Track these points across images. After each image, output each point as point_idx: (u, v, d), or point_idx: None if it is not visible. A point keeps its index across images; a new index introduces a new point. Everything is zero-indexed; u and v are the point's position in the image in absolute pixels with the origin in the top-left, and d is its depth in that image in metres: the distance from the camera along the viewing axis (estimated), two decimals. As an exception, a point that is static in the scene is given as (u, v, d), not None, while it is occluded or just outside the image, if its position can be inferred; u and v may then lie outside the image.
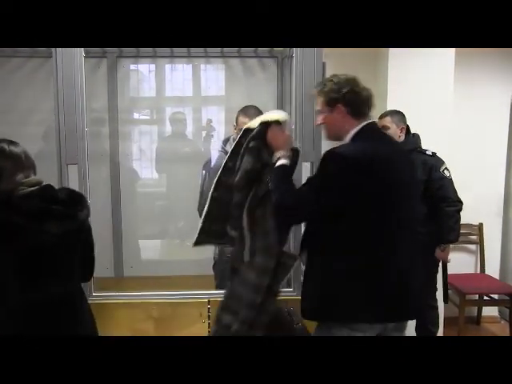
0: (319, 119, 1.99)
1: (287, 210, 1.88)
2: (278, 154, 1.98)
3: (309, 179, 2.01)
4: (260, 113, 2.64)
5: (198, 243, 2.24)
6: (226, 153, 2.80)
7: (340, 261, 1.85)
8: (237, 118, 2.78)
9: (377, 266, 1.82)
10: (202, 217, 2.20)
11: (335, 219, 1.83)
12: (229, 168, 2.13)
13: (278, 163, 1.96)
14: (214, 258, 2.95)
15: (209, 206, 2.17)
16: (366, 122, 1.92)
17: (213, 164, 2.88)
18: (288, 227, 2.12)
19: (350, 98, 1.91)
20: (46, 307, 1.69)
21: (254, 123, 2.07)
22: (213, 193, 2.17)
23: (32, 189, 1.65)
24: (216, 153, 3.19)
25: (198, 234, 2.22)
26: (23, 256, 1.61)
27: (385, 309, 1.83)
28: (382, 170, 1.83)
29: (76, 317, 1.82)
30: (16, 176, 1.65)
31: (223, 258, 2.87)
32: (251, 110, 2.79)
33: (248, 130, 2.08)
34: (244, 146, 2.06)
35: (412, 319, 2.03)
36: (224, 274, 2.86)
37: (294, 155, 2.05)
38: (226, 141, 2.91)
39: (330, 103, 1.92)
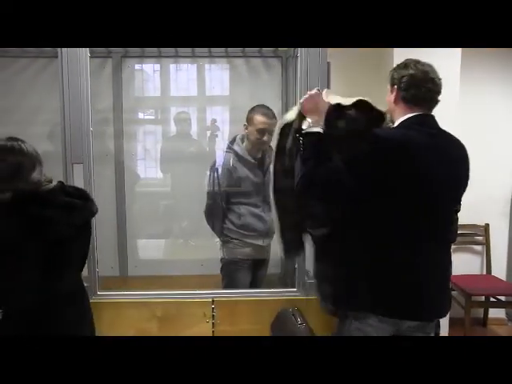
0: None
1: (323, 183, 1.81)
2: (311, 120, 1.90)
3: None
4: None
5: (289, 257, 2.27)
6: (234, 153, 2.80)
7: (357, 249, 1.85)
8: (252, 118, 2.77)
9: (391, 260, 1.81)
10: (278, 232, 2.13)
11: (359, 204, 1.81)
12: (280, 171, 2.07)
13: (313, 130, 1.88)
14: (222, 260, 2.95)
15: (278, 216, 2.10)
16: (417, 113, 1.88)
17: (220, 164, 2.88)
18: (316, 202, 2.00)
19: (407, 84, 1.88)
20: (66, 298, 1.79)
21: (292, 116, 2.00)
22: (276, 202, 2.09)
23: (53, 184, 1.76)
24: (221, 152, 3.20)
25: (285, 250, 2.17)
26: (51, 248, 1.68)
27: (398, 305, 1.82)
28: (411, 159, 1.78)
29: (83, 309, 1.91)
30: (34, 172, 1.72)
31: (233, 259, 2.87)
32: (268, 110, 2.81)
33: (287, 126, 2.01)
34: (290, 143, 2.00)
35: (427, 320, 1.91)
36: (233, 274, 2.87)
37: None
38: (232, 141, 2.91)
39: (391, 83, 1.94)
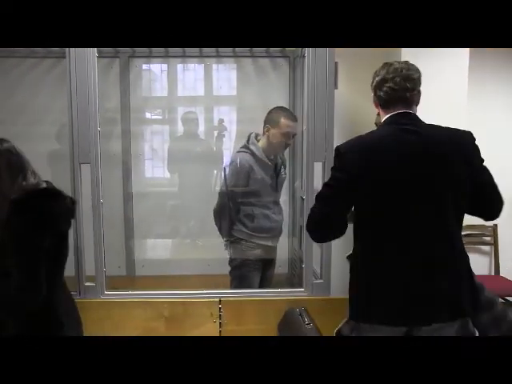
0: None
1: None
2: None
3: None
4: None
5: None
6: (251, 153, 2.78)
7: (354, 253, 1.89)
8: (277, 121, 2.75)
9: (374, 265, 1.80)
10: None
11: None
12: None
13: None
14: (232, 261, 2.94)
15: None
16: (391, 114, 1.86)
17: (234, 163, 2.87)
18: None
19: (375, 87, 1.90)
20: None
21: None
22: None
23: (44, 181, 1.81)
24: (228, 152, 3.21)
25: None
26: (58, 243, 1.79)
27: (396, 310, 1.78)
28: (374, 158, 1.77)
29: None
30: (30, 171, 1.77)
31: (244, 261, 2.87)
32: (292, 112, 2.87)
33: None
34: None
35: (414, 325, 1.80)
36: (245, 275, 2.87)
37: None
38: (248, 140, 2.88)
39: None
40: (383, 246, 1.80)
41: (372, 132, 1.90)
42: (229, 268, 2.96)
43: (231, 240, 2.92)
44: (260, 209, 2.85)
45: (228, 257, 2.97)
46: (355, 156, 1.79)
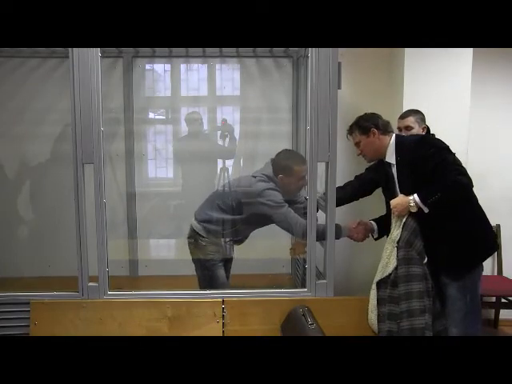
0: None
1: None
2: None
3: None
4: None
5: None
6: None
7: None
8: (290, 169, 2.69)
9: None
10: None
11: None
12: None
13: None
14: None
15: None
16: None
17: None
18: None
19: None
20: None
21: None
22: None
23: None
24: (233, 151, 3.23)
25: None
26: None
27: None
28: None
29: None
30: None
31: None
32: (300, 154, 2.89)
33: None
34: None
35: None
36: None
37: None
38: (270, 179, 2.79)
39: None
40: None
41: None
42: (234, 268, 2.99)
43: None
44: None
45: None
46: None
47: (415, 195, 2.26)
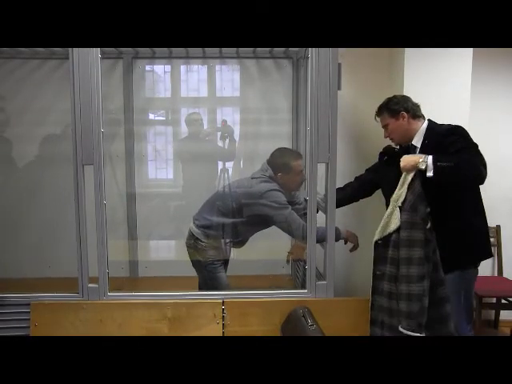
0: None
1: None
2: None
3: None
4: None
5: None
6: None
7: None
8: (288, 166, 2.74)
9: None
10: None
11: None
12: None
13: None
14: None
15: None
16: None
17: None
18: None
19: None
20: None
21: None
22: None
23: None
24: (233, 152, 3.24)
25: None
26: None
27: None
28: None
29: None
30: None
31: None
32: (294, 150, 2.99)
33: None
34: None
35: None
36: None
37: None
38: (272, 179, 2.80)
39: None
40: None
41: None
42: (234, 269, 2.98)
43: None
44: None
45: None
46: None
47: (429, 156, 2.19)
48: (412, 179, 2.24)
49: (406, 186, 2.25)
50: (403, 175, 2.27)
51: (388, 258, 2.29)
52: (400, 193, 2.28)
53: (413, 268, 2.19)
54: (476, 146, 2.29)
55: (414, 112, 2.47)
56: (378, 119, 2.56)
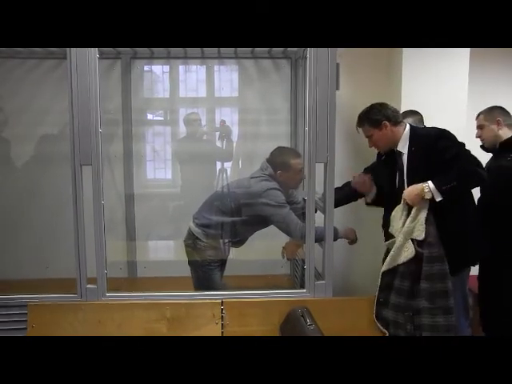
0: None
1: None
2: None
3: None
4: None
5: None
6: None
7: None
8: (287, 164, 2.75)
9: None
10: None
11: None
12: None
13: None
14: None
15: None
16: None
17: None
18: None
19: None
20: None
21: None
22: None
23: None
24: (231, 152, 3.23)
25: None
26: None
27: None
28: None
29: None
30: None
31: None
32: (292, 148, 3.02)
33: None
34: None
35: None
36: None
37: None
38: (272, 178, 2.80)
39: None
40: None
41: None
42: (232, 269, 2.98)
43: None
44: None
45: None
46: None
47: (429, 182, 2.25)
48: (428, 213, 2.29)
49: (422, 219, 2.29)
50: (414, 209, 2.31)
51: (394, 287, 2.37)
52: (413, 226, 2.32)
53: (451, 299, 2.27)
54: (464, 145, 2.34)
55: (396, 119, 2.48)
56: (359, 130, 2.57)
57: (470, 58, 3.05)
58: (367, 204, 2.73)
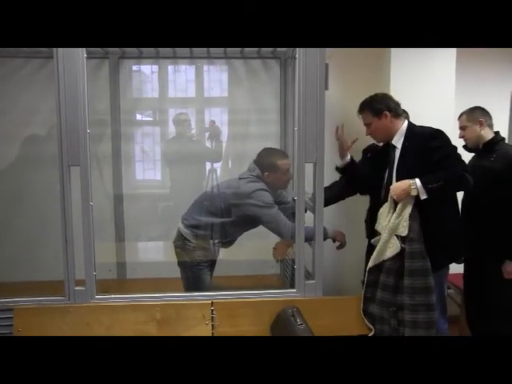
0: None
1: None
2: None
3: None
4: None
5: None
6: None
7: None
8: (274, 165, 2.74)
9: None
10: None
11: None
12: None
13: None
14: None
15: None
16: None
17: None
18: None
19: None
20: None
21: None
22: None
23: None
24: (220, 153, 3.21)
25: None
26: None
27: None
28: None
29: None
30: None
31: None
32: (279, 149, 2.98)
33: None
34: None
35: None
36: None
37: None
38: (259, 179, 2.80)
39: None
40: None
41: None
42: (222, 269, 2.98)
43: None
44: None
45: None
46: None
47: (417, 179, 2.28)
48: (412, 209, 2.30)
49: (406, 215, 2.30)
50: (399, 205, 2.33)
51: (379, 283, 2.39)
52: (398, 222, 2.33)
53: (432, 296, 2.31)
54: (456, 149, 2.38)
55: (396, 111, 2.51)
56: (359, 117, 2.58)
57: (457, 56, 3.08)
58: (336, 168, 2.78)
